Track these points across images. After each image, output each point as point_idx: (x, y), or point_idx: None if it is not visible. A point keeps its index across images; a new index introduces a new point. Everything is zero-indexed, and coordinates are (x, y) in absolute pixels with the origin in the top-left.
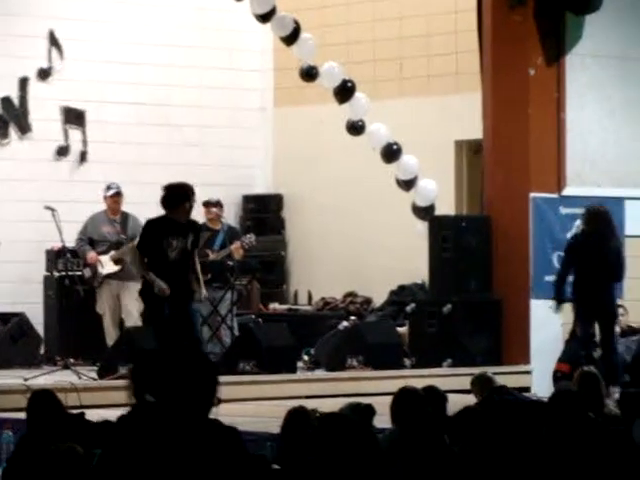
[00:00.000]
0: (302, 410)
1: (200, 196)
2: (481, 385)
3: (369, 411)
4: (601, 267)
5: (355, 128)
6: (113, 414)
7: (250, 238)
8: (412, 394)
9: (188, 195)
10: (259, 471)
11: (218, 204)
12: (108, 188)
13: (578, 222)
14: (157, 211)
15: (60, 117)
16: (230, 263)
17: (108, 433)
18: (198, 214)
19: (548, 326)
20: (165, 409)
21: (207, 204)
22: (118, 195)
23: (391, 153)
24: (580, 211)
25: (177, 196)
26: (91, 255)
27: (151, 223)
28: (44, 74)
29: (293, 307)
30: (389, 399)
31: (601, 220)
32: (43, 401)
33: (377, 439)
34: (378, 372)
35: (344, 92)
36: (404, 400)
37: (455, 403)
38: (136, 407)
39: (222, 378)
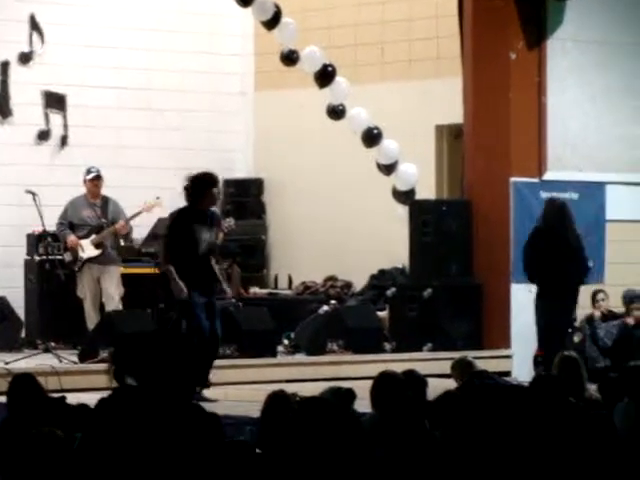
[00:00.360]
0: (282, 394)
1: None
2: (461, 369)
3: (349, 395)
4: (562, 259)
5: (336, 112)
6: (93, 397)
7: (230, 222)
8: (392, 378)
9: (214, 181)
10: (240, 457)
11: None
12: (88, 172)
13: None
14: (138, 196)
15: (41, 101)
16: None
17: (85, 416)
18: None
19: (529, 310)
20: (147, 393)
21: None
22: (98, 179)
23: (372, 137)
24: (562, 195)
25: (203, 183)
26: (71, 239)
27: (183, 214)
28: (25, 58)
29: (273, 291)
30: (369, 383)
31: (559, 214)
32: (24, 385)
33: (360, 422)
34: (358, 356)
35: (325, 76)
36: (384, 384)
37: (435, 387)
38: (117, 390)
39: None
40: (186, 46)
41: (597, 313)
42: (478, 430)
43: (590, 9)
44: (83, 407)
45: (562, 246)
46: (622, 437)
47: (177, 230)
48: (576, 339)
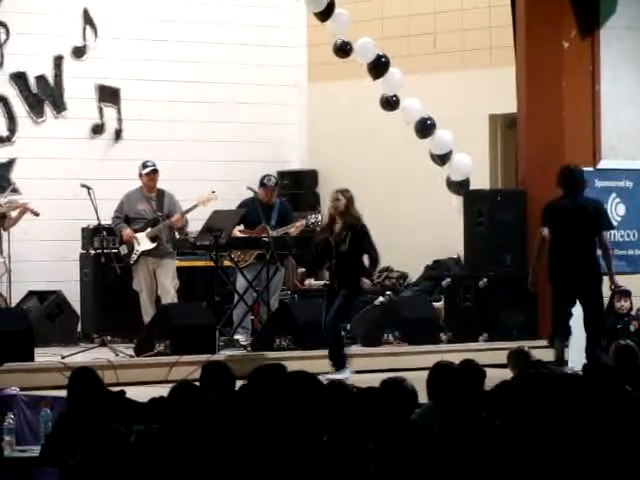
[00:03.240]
0: (339, 384)
1: (239, 173)
2: (518, 359)
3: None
4: None
5: (389, 103)
6: (150, 391)
7: (316, 217)
8: (448, 369)
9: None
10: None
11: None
12: (144, 166)
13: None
14: (192, 189)
15: (95, 95)
16: (266, 239)
17: (159, 408)
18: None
19: None
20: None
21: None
22: (154, 173)
23: (425, 128)
24: (616, 184)
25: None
26: (127, 232)
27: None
28: (79, 52)
29: (328, 283)
30: (425, 374)
31: None
32: (84, 379)
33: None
34: (414, 347)
35: (378, 67)
36: (440, 375)
37: (491, 378)
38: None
39: (258, 354)
40: (239, 38)
41: None
42: (537, 420)
43: None
44: (157, 400)
45: None
46: None
47: None
48: (632, 328)
